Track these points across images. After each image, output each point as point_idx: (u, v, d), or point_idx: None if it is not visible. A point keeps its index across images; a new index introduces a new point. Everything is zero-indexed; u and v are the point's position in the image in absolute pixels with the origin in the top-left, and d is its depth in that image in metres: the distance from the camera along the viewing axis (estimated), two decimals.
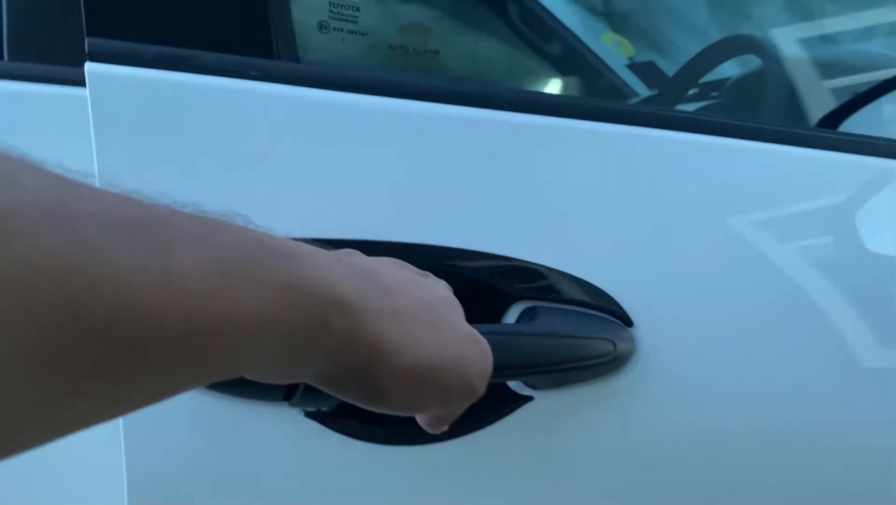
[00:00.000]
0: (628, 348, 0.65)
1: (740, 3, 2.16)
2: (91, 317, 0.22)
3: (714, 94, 1.63)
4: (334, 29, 0.92)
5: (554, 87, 2.58)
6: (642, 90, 2.45)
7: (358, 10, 0.98)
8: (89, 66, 0.58)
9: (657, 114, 0.74)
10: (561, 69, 2.47)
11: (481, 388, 0.42)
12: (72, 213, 0.23)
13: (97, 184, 0.27)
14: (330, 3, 0.91)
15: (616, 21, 2.46)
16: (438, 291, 0.43)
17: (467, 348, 0.41)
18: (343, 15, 0.92)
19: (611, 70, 2.45)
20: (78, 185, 0.25)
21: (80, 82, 0.59)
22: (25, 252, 0.21)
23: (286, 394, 0.51)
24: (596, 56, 2.44)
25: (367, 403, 0.37)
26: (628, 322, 0.66)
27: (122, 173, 0.57)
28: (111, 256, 0.23)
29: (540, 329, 0.60)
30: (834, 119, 1.04)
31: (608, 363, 0.63)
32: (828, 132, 0.99)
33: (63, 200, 0.23)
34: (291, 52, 0.66)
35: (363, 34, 0.96)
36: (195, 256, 0.27)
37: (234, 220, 0.32)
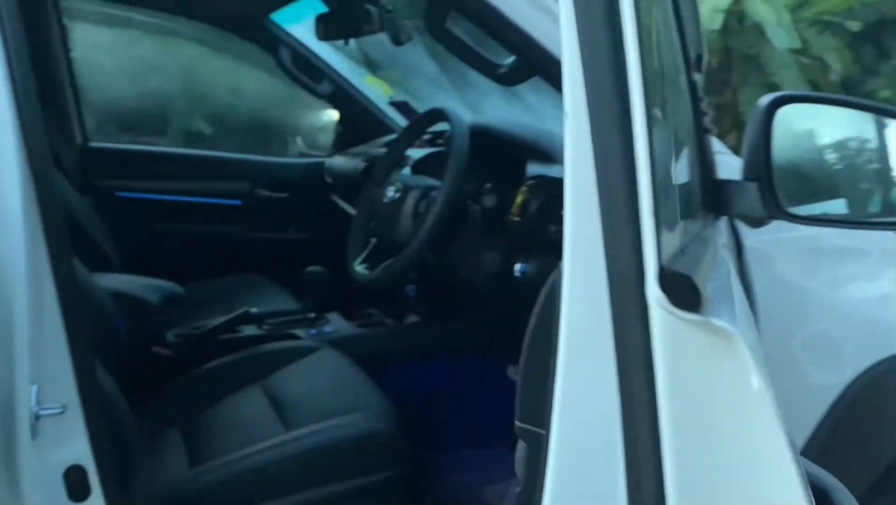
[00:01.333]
0: None
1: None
2: None
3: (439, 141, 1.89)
4: None
5: (331, 118, 2.79)
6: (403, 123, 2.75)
7: None
8: None
9: None
10: (335, 104, 2.67)
11: None
12: None
13: None
14: None
15: (373, 66, 2.75)
16: None
17: None
18: None
19: (376, 106, 2.70)
20: None
21: None
22: None
23: None
24: (362, 94, 2.66)
25: None
26: None
27: None
28: None
29: None
30: None
31: None
32: None
33: None
34: None
35: None
36: None
37: None
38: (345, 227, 2.50)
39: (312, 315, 1.97)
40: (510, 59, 1.27)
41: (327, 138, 2.88)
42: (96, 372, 0.96)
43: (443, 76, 2.84)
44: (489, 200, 1.45)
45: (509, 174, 1.51)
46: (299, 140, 2.99)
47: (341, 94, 2.61)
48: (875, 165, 1.22)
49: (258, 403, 1.50)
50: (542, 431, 0.68)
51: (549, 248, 1.45)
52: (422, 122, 1.63)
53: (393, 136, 2.21)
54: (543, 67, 1.22)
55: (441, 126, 1.73)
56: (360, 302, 2.15)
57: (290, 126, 3.01)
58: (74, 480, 0.95)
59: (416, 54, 2.82)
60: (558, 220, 1.39)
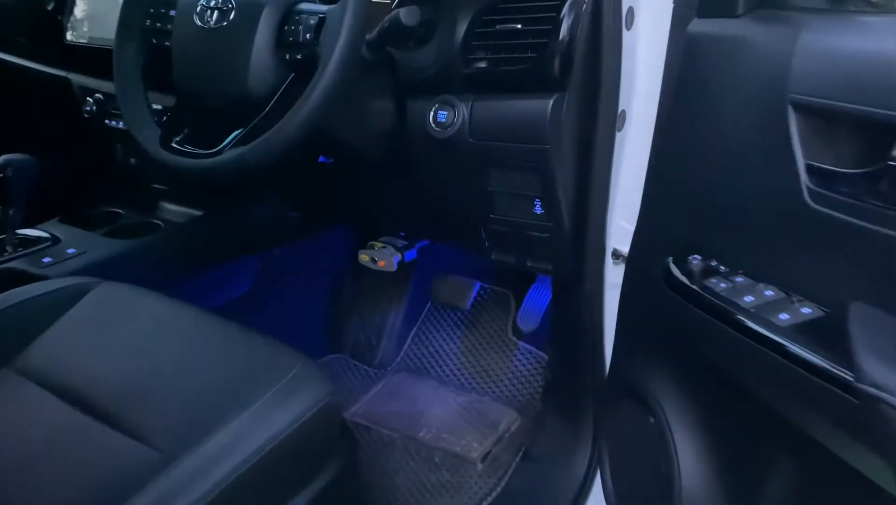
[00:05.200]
0: None
1: None
2: None
3: None
4: None
5: None
6: None
7: None
8: None
9: None
10: None
11: None
12: None
13: None
14: None
15: None
16: None
17: None
18: None
19: None
20: None
21: None
22: None
23: None
24: None
25: None
26: None
27: None
28: None
29: None
30: None
31: None
32: None
33: None
34: None
35: None
36: None
37: None
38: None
39: (27, 233, 1.24)
40: None
41: None
42: None
43: None
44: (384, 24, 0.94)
45: None
46: None
47: None
48: None
49: (45, 412, 0.85)
50: None
51: (478, 87, 1.02)
52: None
53: None
54: None
55: None
56: (93, 199, 1.43)
57: None
58: None
59: None
60: (488, 47, 0.96)
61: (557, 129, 0.94)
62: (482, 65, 0.96)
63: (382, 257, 1.29)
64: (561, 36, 0.90)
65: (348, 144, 1.04)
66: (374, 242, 1.33)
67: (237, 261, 1.38)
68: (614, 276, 1.11)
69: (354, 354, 1.52)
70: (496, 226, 1.10)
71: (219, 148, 0.89)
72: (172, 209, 1.45)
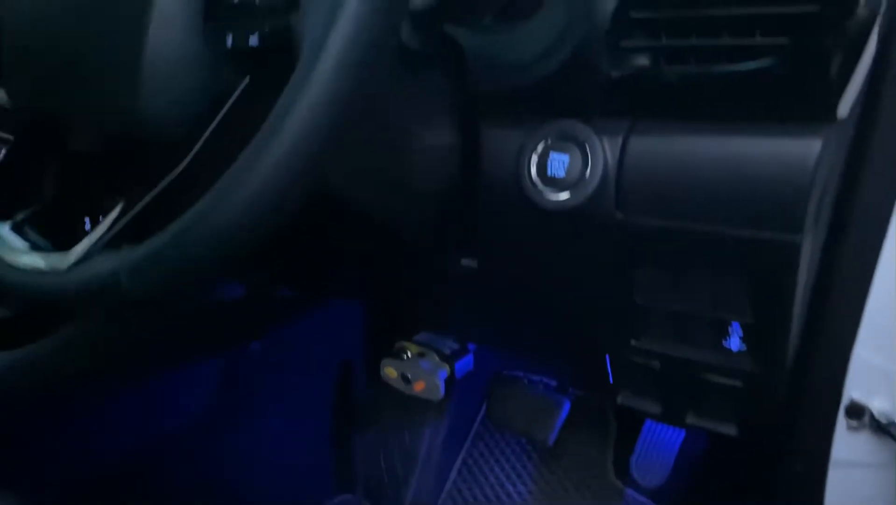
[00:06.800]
0: None
1: None
2: None
3: None
4: None
5: None
6: None
7: None
8: None
9: None
10: None
11: None
12: None
13: None
14: None
15: None
16: None
17: None
18: None
19: None
20: None
21: None
22: None
23: None
24: None
25: None
26: None
27: None
28: None
29: None
30: None
31: None
32: None
33: None
34: None
35: None
36: None
37: None
38: None
39: None
40: None
41: None
42: None
43: None
44: None
45: None
46: None
47: None
48: None
49: None
50: None
51: (642, 105, 0.47)
52: None
53: None
54: None
55: None
56: None
57: None
58: None
59: None
60: (672, 23, 0.43)
61: (821, 199, 0.43)
62: (650, 60, 0.45)
63: (420, 375, 0.78)
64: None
65: (363, 214, 0.54)
66: (407, 345, 0.83)
67: (189, 363, 0.88)
68: (846, 447, 0.62)
69: (370, 493, 1.02)
70: (638, 358, 0.59)
71: (68, 252, 0.39)
72: None
